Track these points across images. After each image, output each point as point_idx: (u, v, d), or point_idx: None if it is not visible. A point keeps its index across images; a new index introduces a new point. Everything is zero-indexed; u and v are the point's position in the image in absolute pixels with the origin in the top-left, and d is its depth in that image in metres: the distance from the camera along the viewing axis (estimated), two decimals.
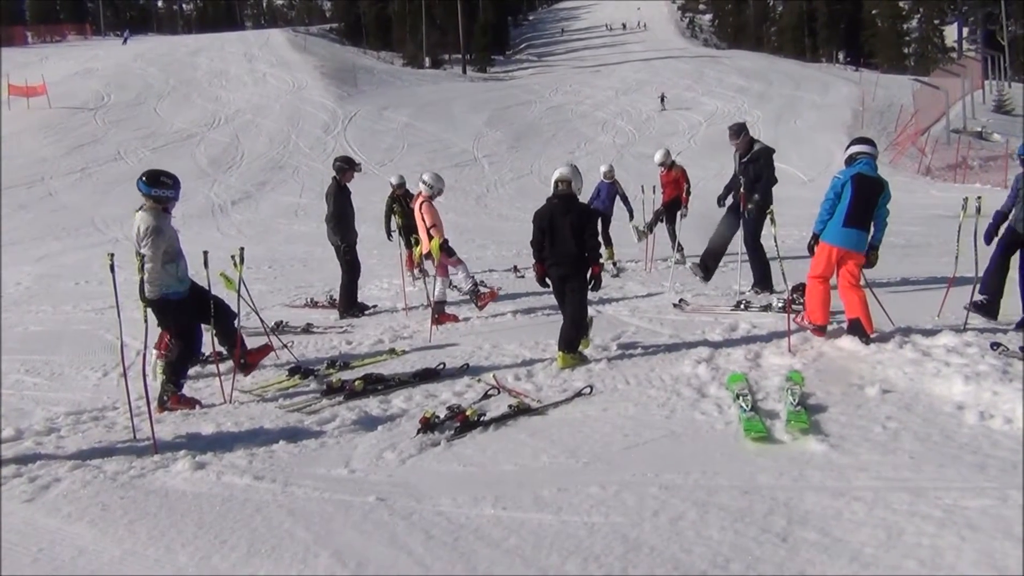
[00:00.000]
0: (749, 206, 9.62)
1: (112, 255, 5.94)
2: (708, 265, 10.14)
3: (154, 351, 7.32)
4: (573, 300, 7.10)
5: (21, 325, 11.14)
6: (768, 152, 9.84)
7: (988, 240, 7.59)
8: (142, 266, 6.28)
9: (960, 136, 35.99)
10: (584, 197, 7.90)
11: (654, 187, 13.26)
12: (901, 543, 3.53)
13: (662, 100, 48.03)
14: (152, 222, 6.58)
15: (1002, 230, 7.57)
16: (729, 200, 10.26)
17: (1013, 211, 7.44)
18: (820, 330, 7.09)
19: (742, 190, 9.69)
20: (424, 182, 9.93)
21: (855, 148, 7.23)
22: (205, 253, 7.07)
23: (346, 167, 10.72)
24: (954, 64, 48.91)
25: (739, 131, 10.10)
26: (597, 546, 3.70)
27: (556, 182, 7.31)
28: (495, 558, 3.67)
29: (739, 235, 9.98)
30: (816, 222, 7.11)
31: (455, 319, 9.61)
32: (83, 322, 11.09)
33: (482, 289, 9.76)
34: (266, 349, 7.46)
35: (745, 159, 9.82)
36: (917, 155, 34.16)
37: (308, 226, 23.78)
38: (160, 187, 6.77)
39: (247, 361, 7.17)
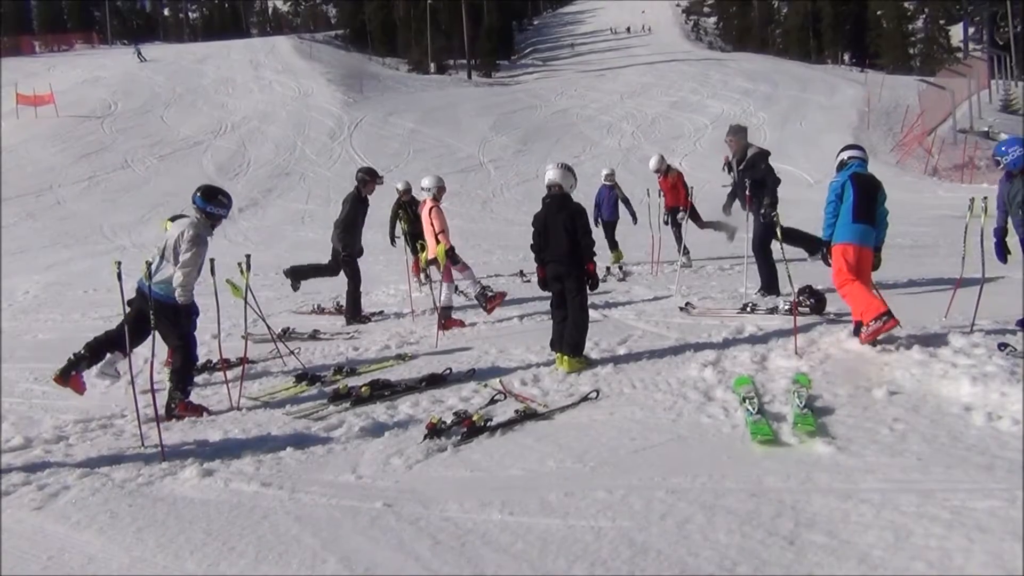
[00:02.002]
0: (763, 211, 9.56)
1: (119, 263, 5.97)
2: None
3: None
4: (574, 303, 7.12)
5: (30, 333, 11.20)
6: (764, 155, 9.87)
7: (1001, 258, 7.47)
8: (150, 274, 6.31)
9: (967, 136, 35.86)
10: (588, 199, 7.88)
11: (658, 191, 13.26)
12: (909, 545, 3.52)
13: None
14: (200, 232, 6.77)
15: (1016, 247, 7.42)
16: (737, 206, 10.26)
17: (1009, 220, 7.35)
18: (891, 316, 6.48)
19: (747, 193, 9.70)
20: (424, 188, 9.96)
21: (846, 153, 7.28)
22: (212, 261, 7.09)
23: (368, 178, 10.79)
24: (960, 64, 48.76)
25: (736, 131, 10.14)
26: (604, 550, 3.70)
27: (547, 185, 7.38)
28: (502, 563, 3.67)
29: (747, 237, 9.99)
30: (824, 228, 7.11)
31: (461, 324, 9.62)
32: (92, 330, 11.01)
33: (489, 292, 9.77)
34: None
35: (741, 165, 9.85)
36: (924, 155, 34.03)
37: (315, 232, 23.81)
38: (216, 204, 6.96)
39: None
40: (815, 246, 9.18)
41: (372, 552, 3.87)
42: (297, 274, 11.11)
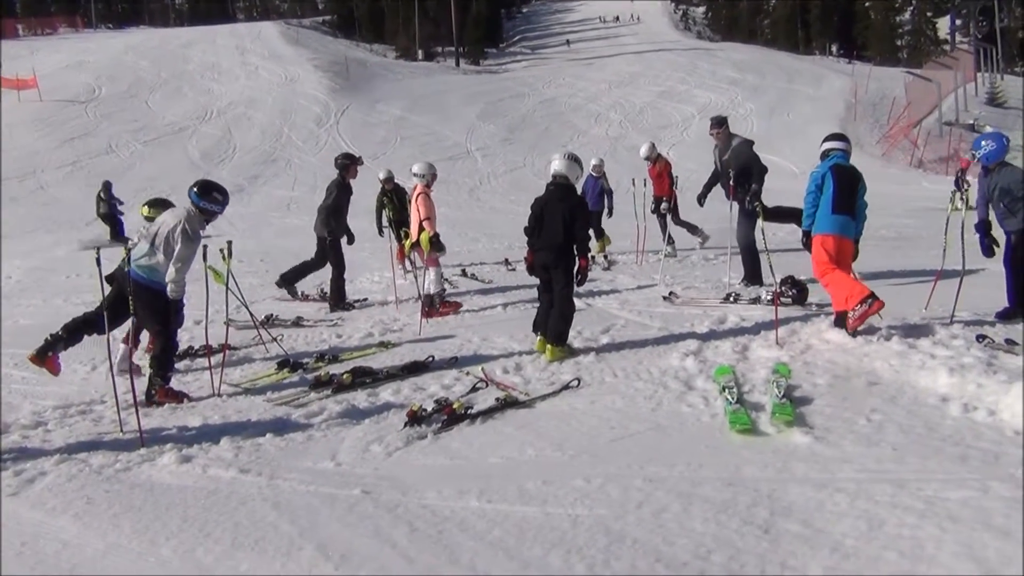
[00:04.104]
0: (748, 198, 9.61)
1: (99, 248, 5.92)
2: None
3: (122, 345, 7.36)
4: (560, 294, 7.11)
5: (11, 319, 11.10)
6: (750, 144, 9.92)
7: (988, 253, 7.50)
8: (129, 259, 6.27)
9: (952, 128, 36.02)
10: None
11: (644, 180, 13.27)
12: (882, 534, 3.55)
13: None
14: (194, 227, 6.74)
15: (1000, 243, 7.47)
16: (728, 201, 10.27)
17: (990, 214, 7.43)
18: (875, 299, 6.52)
19: (731, 183, 9.72)
20: (415, 173, 9.92)
21: (828, 144, 7.28)
22: (204, 247, 7.05)
23: (349, 162, 10.77)
24: (947, 56, 48.92)
25: (721, 122, 10.19)
26: (580, 538, 3.71)
27: (553, 174, 7.32)
28: (478, 550, 3.68)
29: (731, 227, 10.02)
30: (803, 219, 7.16)
31: (457, 306, 9.61)
32: (73, 316, 11.03)
33: (445, 298, 9.72)
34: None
35: (726, 155, 9.88)
36: (909, 147, 34.19)
37: (301, 219, 23.64)
38: (210, 201, 6.95)
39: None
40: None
41: (349, 539, 3.86)
42: (288, 280, 11.13)
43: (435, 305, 9.51)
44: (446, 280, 11.50)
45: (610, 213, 14.13)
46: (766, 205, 8.62)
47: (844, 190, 6.93)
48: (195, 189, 6.92)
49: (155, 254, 6.65)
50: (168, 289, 6.63)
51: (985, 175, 7.39)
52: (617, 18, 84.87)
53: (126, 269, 6.47)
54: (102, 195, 21.08)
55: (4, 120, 37.10)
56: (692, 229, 13.63)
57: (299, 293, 11.22)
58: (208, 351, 7.75)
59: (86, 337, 7.05)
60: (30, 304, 12.32)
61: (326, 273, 10.84)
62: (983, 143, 7.41)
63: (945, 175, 29.72)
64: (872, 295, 6.58)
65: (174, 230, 6.63)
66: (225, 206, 7.13)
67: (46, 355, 6.72)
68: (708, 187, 10.57)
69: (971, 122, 37.95)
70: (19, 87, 41.20)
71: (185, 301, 6.94)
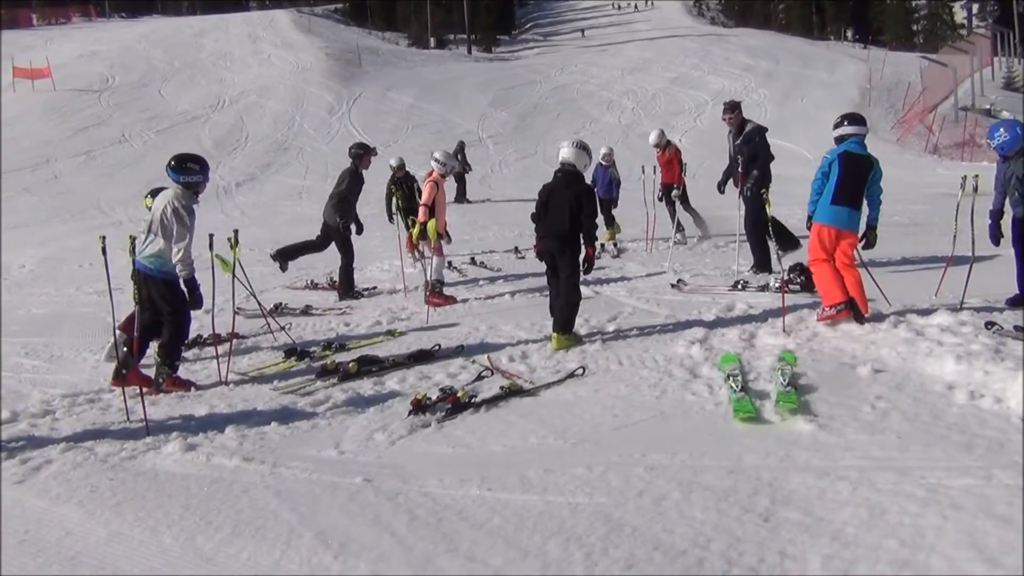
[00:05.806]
0: (748, 183, 9.59)
1: (104, 237, 5.94)
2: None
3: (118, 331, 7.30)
4: (567, 283, 7.10)
5: (24, 307, 11.17)
6: (761, 131, 9.84)
7: (994, 240, 7.48)
8: (133, 248, 6.29)
9: (968, 114, 35.63)
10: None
11: (654, 168, 13.21)
12: (883, 522, 3.53)
13: None
14: (184, 202, 6.72)
15: (1008, 226, 7.40)
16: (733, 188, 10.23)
17: (1007, 200, 7.34)
18: (847, 307, 6.65)
19: (739, 170, 9.68)
20: (436, 159, 9.94)
21: (844, 129, 7.15)
22: (211, 236, 7.06)
23: (362, 152, 10.78)
24: (963, 41, 48.37)
25: (734, 107, 10.12)
26: (580, 526, 3.71)
27: (561, 162, 7.30)
28: (477, 538, 3.68)
29: (740, 214, 9.97)
30: (808, 203, 7.12)
31: (453, 301, 9.60)
32: (85, 304, 11.12)
33: (442, 289, 9.72)
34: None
35: (739, 140, 9.82)
36: (924, 133, 33.85)
37: (312, 208, 23.59)
38: (187, 172, 6.87)
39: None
40: (790, 244, 9.30)
41: (348, 527, 3.87)
42: (285, 255, 11.07)
43: (436, 291, 9.50)
44: (455, 269, 11.52)
45: (615, 204, 14.11)
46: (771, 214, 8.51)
47: (848, 181, 6.85)
48: (171, 165, 6.85)
49: (155, 240, 6.67)
50: (177, 269, 6.65)
51: (1003, 162, 7.31)
52: (636, 7, 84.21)
53: (132, 258, 6.48)
54: (459, 156, 21.24)
55: (18, 110, 37.26)
56: (698, 220, 13.42)
57: (288, 268, 11.12)
58: (216, 340, 7.78)
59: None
60: (42, 293, 12.40)
61: (337, 260, 10.84)
62: (997, 133, 7.32)
63: (960, 161, 29.46)
64: (845, 303, 6.66)
65: (165, 211, 6.65)
66: (205, 173, 6.98)
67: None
68: (727, 175, 10.49)
69: (987, 107, 37.51)
70: (33, 76, 41.33)
71: (200, 280, 6.89)
